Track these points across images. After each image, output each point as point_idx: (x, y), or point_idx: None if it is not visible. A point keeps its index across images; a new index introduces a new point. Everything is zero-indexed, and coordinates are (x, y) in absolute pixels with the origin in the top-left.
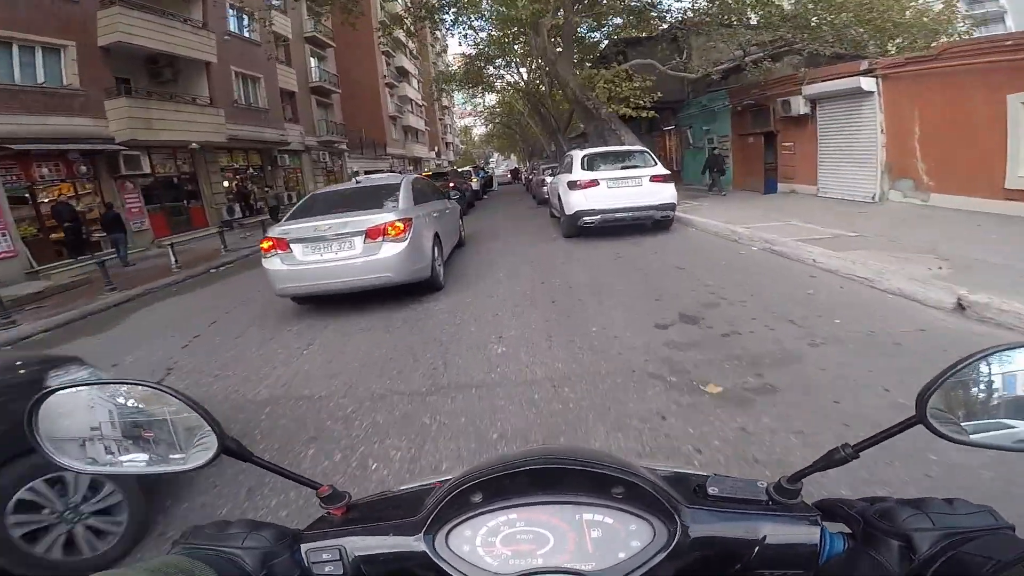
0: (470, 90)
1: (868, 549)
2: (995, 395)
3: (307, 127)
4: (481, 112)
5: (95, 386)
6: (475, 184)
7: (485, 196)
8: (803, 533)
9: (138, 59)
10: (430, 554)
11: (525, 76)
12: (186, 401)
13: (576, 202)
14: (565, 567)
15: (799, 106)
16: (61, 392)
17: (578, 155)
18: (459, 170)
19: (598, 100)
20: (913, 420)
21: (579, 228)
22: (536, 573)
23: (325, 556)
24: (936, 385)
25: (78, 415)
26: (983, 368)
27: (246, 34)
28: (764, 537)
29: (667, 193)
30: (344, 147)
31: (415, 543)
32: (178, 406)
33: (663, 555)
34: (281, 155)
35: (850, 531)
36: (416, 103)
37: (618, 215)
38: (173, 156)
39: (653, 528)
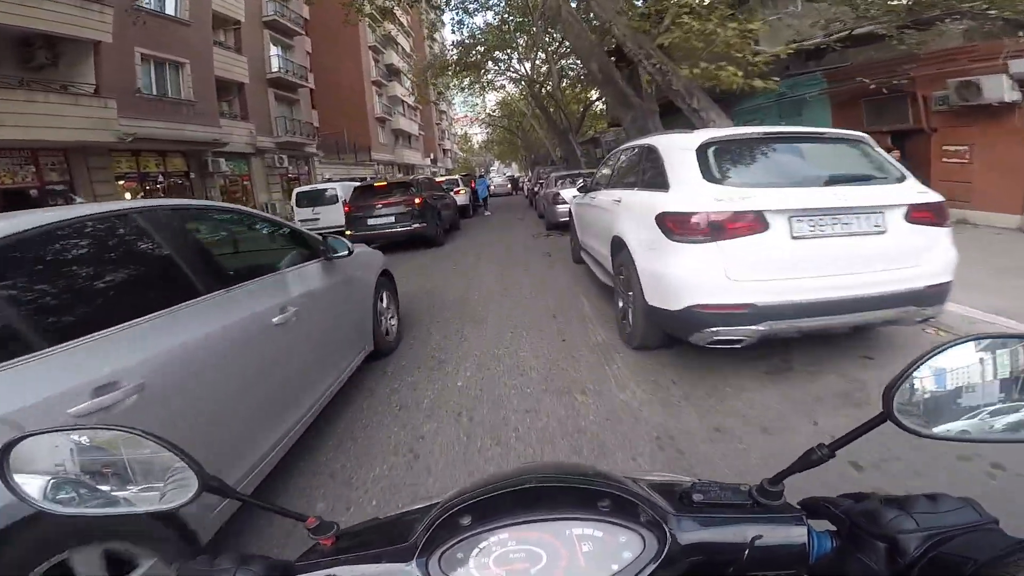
0: (466, 79)
1: (855, 550)
2: (955, 388)
3: (262, 126)
4: (481, 117)
5: (67, 432)
6: (463, 198)
7: (485, 212)
8: (790, 534)
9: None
10: None
11: (529, 69)
12: (162, 443)
13: (696, 280)
14: None
15: (1000, 90)
16: (33, 437)
17: (687, 144)
18: (438, 178)
19: (664, 59)
20: (880, 416)
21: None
22: None
23: None
24: (901, 381)
25: (52, 460)
26: (943, 362)
27: (169, 11)
28: (752, 539)
29: (941, 256)
30: (314, 150)
31: (408, 568)
32: (153, 448)
33: (655, 565)
34: (216, 159)
35: (835, 529)
36: (408, 104)
37: (824, 321)
38: (32, 160)
39: (643, 539)
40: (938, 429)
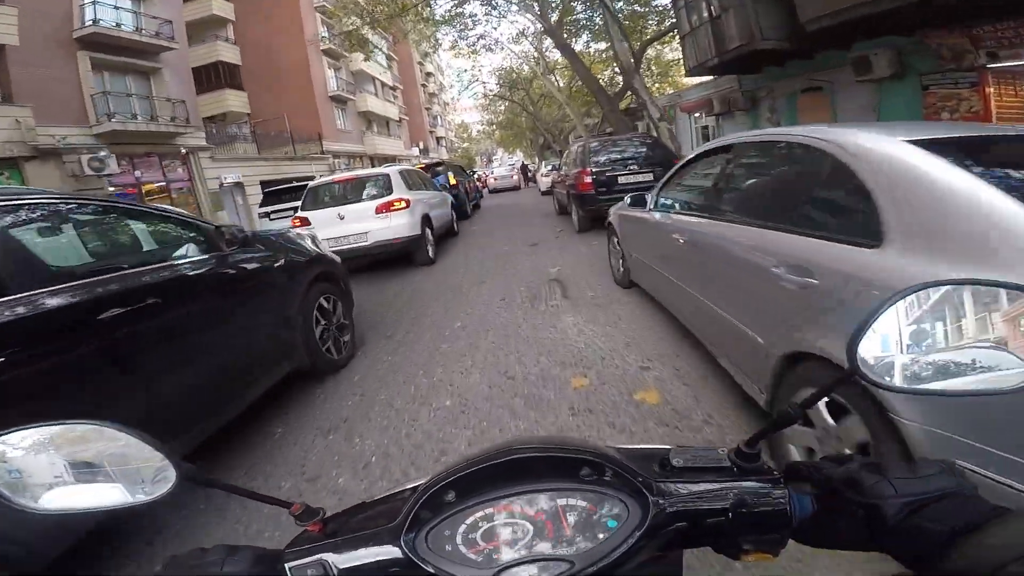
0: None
1: (835, 515)
2: (917, 338)
3: (60, 110)
4: (474, 93)
5: (39, 428)
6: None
7: (477, 224)
8: (771, 496)
9: None
10: (413, 557)
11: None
12: (135, 435)
13: None
14: (547, 554)
15: None
16: (4, 436)
17: None
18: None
19: None
20: (848, 371)
21: None
22: (520, 563)
23: (310, 572)
24: (861, 333)
25: (24, 459)
26: (901, 311)
27: None
28: (733, 502)
29: None
30: (200, 142)
31: (396, 549)
32: (126, 440)
33: (639, 532)
34: None
35: (817, 492)
36: (384, 84)
37: None
38: None
39: (627, 506)
40: (905, 383)
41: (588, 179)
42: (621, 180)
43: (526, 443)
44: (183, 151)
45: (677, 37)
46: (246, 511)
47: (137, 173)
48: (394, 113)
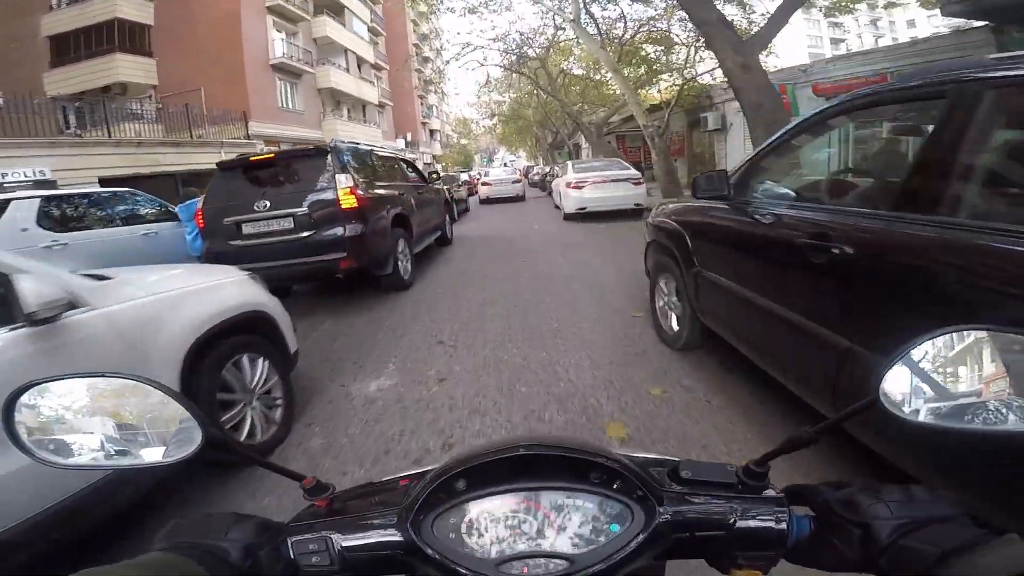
0: None
1: (831, 535)
2: (945, 376)
3: None
4: (477, 66)
5: (74, 379)
6: None
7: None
8: (772, 516)
9: None
10: (416, 541)
11: None
12: (169, 393)
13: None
14: (547, 551)
15: None
16: (39, 386)
17: None
18: None
19: None
20: (869, 401)
21: None
22: (519, 558)
23: (311, 547)
24: (890, 365)
25: (58, 410)
26: (934, 349)
27: None
28: (735, 520)
29: None
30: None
31: (400, 532)
32: (160, 398)
33: (642, 538)
34: None
35: (815, 515)
36: (362, 59)
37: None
38: None
39: (632, 512)
40: (926, 417)
41: None
42: None
43: (540, 440)
44: None
45: None
46: None
47: None
48: (372, 95)
